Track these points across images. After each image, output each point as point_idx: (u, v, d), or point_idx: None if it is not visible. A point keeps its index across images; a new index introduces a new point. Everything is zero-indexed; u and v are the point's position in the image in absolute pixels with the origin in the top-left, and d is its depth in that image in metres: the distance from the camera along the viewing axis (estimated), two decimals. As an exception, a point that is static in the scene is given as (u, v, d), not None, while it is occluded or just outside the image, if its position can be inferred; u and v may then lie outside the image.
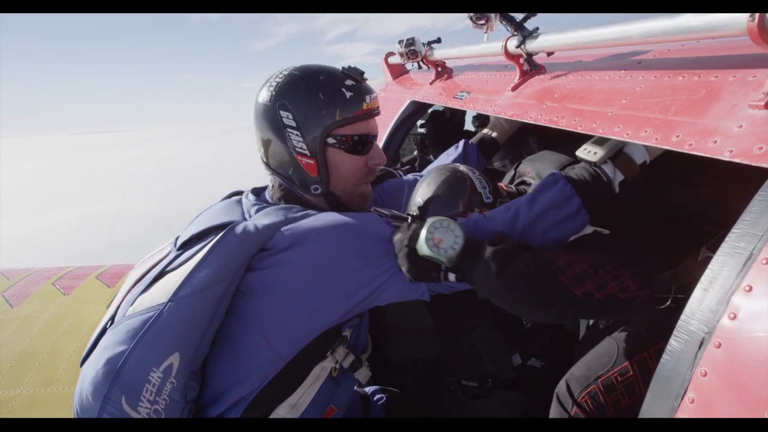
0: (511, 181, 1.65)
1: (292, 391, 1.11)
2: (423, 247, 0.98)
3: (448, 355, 2.66)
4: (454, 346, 2.75)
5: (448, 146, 1.82)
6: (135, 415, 0.97)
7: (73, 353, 2.34)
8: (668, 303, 1.28)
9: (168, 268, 1.07)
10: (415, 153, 1.97)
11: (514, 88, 1.47)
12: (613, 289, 0.94)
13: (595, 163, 1.11)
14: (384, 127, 2.50)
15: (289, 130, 1.12)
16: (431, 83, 2.24)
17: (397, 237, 1.05)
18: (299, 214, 1.10)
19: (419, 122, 4.76)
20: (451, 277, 1.01)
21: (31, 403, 2.02)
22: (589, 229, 1.33)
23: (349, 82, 1.15)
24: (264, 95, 1.14)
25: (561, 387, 1.28)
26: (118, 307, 1.09)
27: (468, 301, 3.06)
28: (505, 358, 2.52)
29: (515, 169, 1.67)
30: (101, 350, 1.00)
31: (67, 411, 2.04)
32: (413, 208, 1.39)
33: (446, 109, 3.72)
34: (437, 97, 2.06)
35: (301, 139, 1.13)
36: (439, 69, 2.27)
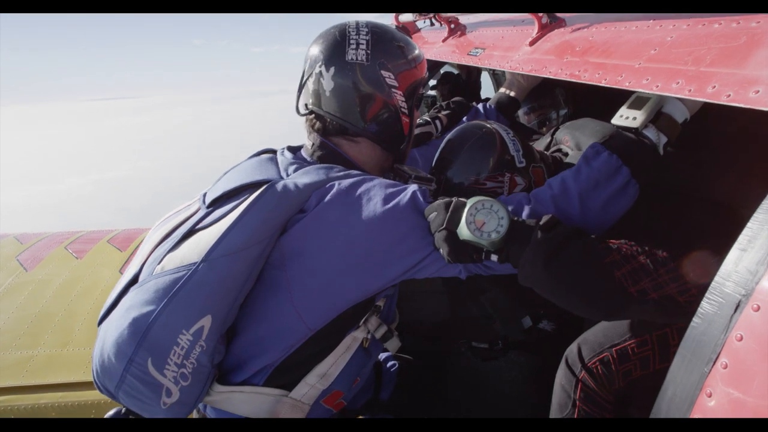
0: (547, 148, 1.56)
1: (320, 359, 1.08)
2: (464, 231, 0.93)
3: (458, 317, 2.67)
4: (464, 308, 2.76)
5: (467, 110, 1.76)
6: (160, 379, 0.95)
7: (87, 315, 2.37)
8: None
9: (198, 226, 1.03)
10: (460, 99, 1.89)
11: (531, 43, 1.40)
12: (671, 291, 0.86)
13: (636, 129, 1.04)
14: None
15: (393, 90, 1.14)
16: (444, 40, 2.15)
17: (434, 216, 0.98)
18: (341, 173, 1.06)
19: (431, 83, 4.64)
20: (493, 257, 0.95)
21: (47, 364, 2.06)
22: (635, 216, 1.28)
23: (410, 42, 1.20)
24: (355, 54, 1.10)
25: (572, 350, 1.27)
26: (143, 265, 1.05)
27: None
28: (516, 321, 2.53)
29: (552, 136, 1.58)
30: (125, 309, 0.97)
31: (83, 372, 2.08)
32: (436, 170, 1.33)
33: (461, 69, 3.60)
34: (450, 54, 1.98)
35: (403, 99, 1.16)
36: (452, 26, 2.18)
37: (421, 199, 1.02)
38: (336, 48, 1.11)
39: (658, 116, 1.04)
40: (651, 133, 1.03)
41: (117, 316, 0.97)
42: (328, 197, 1.01)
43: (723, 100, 0.69)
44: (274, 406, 1.06)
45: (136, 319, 0.94)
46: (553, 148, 1.55)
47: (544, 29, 1.40)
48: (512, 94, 1.72)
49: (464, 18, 2.17)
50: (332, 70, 1.11)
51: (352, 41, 1.11)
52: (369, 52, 1.10)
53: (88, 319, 2.35)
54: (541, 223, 0.92)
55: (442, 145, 1.35)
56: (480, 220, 0.92)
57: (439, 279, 2.62)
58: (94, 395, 1.97)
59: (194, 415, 1.19)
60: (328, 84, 1.12)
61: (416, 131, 1.64)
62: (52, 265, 2.85)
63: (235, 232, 0.97)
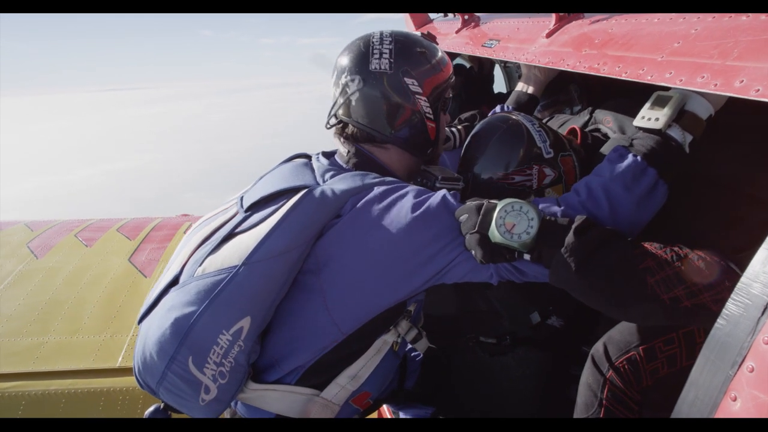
0: (585, 126, 1.52)
1: (351, 361, 1.11)
2: (495, 234, 0.93)
3: (465, 312, 2.66)
4: (471, 303, 2.75)
5: (480, 104, 1.73)
6: (200, 377, 0.99)
7: (96, 303, 2.39)
8: None
9: (237, 230, 1.07)
10: (474, 112, 1.86)
11: (548, 35, 1.37)
12: (705, 299, 0.84)
13: (660, 130, 1.01)
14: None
15: (417, 96, 1.15)
16: (457, 32, 2.12)
17: (463, 218, 0.99)
18: (376, 180, 1.09)
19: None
20: (526, 256, 0.95)
21: (58, 350, 2.07)
22: (676, 212, 1.25)
23: (433, 47, 1.21)
24: (378, 64, 1.13)
25: (598, 349, 1.25)
26: (183, 266, 1.09)
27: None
28: (524, 317, 2.51)
29: (591, 114, 1.54)
30: (167, 309, 1.01)
31: (92, 359, 2.10)
32: (464, 167, 1.31)
33: (473, 62, 3.55)
34: (463, 46, 1.96)
35: (428, 104, 1.17)
36: (466, 17, 2.14)
37: (452, 200, 1.03)
38: (361, 58, 1.14)
39: (682, 114, 1.01)
40: (676, 133, 1.01)
41: (158, 316, 1.02)
42: (360, 203, 1.03)
43: (752, 95, 0.67)
44: (305, 405, 1.10)
45: (177, 319, 0.98)
46: (591, 126, 1.51)
47: (561, 21, 1.37)
48: (530, 90, 1.69)
49: (478, 9, 2.14)
50: (357, 79, 1.14)
51: (375, 51, 1.14)
52: (392, 60, 1.13)
53: (97, 307, 2.37)
54: (575, 224, 0.91)
55: (467, 141, 1.34)
56: (510, 222, 0.92)
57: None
58: (103, 383, 1.98)
59: (225, 413, 1.22)
60: (354, 94, 1.15)
61: None
62: (62, 252, 2.87)
63: (275, 236, 1.01)
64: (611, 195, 1.00)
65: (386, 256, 1.02)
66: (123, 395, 1.85)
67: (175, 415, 1.12)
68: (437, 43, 1.21)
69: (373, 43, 1.15)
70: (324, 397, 1.10)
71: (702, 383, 0.58)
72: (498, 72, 3.70)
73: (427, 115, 1.18)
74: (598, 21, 1.26)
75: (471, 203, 0.99)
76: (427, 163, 1.26)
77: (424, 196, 1.04)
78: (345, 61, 1.16)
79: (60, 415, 1.81)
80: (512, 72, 3.50)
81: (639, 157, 1.00)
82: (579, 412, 1.28)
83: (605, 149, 1.26)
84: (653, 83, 0.91)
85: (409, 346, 1.58)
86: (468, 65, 3.63)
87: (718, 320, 0.59)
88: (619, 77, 1.00)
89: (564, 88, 1.96)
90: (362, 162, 1.18)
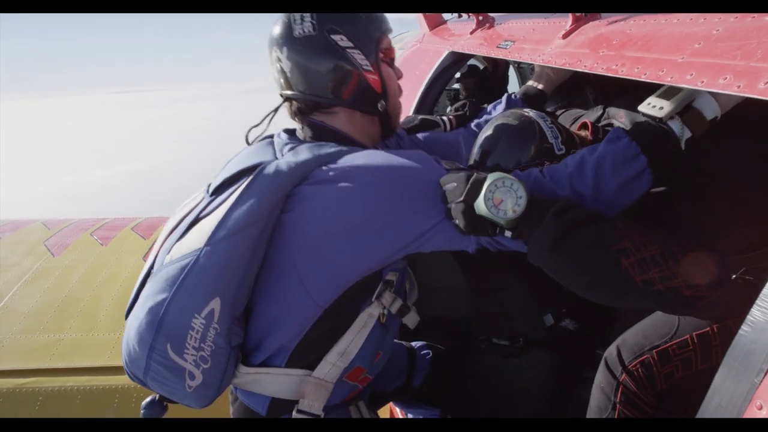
0: (597, 121, 1.51)
1: (338, 337, 1.10)
2: (481, 207, 0.92)
3: (477, 314, 2.64)
4: (483, 305, 2.73)
5: None
6: (182, 363, 0.99)
7: (111, 301, 2.41)
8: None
9: (202, 214, 1.06)
10: (462, 100, 1.85)
11: (565, 36, 1.36)
12: (678, 284, 0.85)
13: (661, 119, 1.01)
14: (419, 80, 2.39)
15: (349, 50, 1.11)
16: (471, 33, 2.11)
17: (450, 186, 0.97)
18: (333, 149, 1.06)
19: (455, 76, 4.57)
20: (507, 234, 0.94)
21: (74, 347, 2.10)
22: (668, 199, 1.23)
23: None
24: (301, 29, 1.10)
25: (611, 352, 1.24)
26: (156, 257, 1.10)
27: (499, 259, 3.01)
28: (537, 319, 2.49)
29: (604, 109, 1.52)
30: (143, 300, 1.01)
31: (108, 356, 2.12)
32: (475, 160, 1.30)
33: (488, 62, 3.53)
34: (478, 47, 1.95)
35: (363, 56, 1.13)
36: (480, 18, 2.13)
37: (437, 164, 1.02)
38: (285, 29, 1.12)
39: (687, 109, 1.01)
40: (675, 126, 1.01)
41: (137, 308, 1.02)
42: (328, 171, 1.01)
43: (777, 97, 0.66)
44: (299, 386, 1.09)
45: (151, 308, 0.98)
46: (604, 122, 1.49)
47: (578, 22, 1.36)
48: (540, 86, 1.68)
49: (493, 10, 2.13)
50: (285, 50, 1.12)
51: (296, 18, 1.11)
52: (314, 22, 1.10)
53: (112, 305, 2.39)
54: (555, 205, 0.91)
55: (479, 136, 1.32)
56: (498, 197, 0.92)
57: (459, 275, 2.60)
58: (118, 380, 2.00)
59: (229, 398, 1.23)
60: (286, 65, 1.13)
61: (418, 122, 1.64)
62: (78, 251, 2.90)
63: (233, 214, 1.00)
64: (598, 173, 1.00)
65: (357, 219, 1.00)
66: (137, 392, 1.87)
67: (175, 415, 1.13)
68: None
69: (293, 14, 1.12)
70: (316, 376, 1.09)
71: (725, 390, 0.57)
72: (512, 73, 3.68)
73: (364, 67, 1.13)
74: (615, 22, 1.24)
75: (461, 172, 0.98)
76: (385, 123, 1.23)
77: (403, 160, 1.02)
78: (271, 36, 1.14)
79: (76, 411, 1.83)
80: (526, 73, 3.48)
81: (634, 142, 1.00)
82: (592, 415, 1.27)
83: None
84: (673, 85, 0.90)
85: (419, 343, 1.57)
86: (482, 66, 3.61)
87: (742, 327, 0.58)
88: (638, 79, 0.98)
89: (579, 90, 1.94)
90: (317, 133, 1.16)
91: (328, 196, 1.00)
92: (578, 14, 1.35)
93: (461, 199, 0.94)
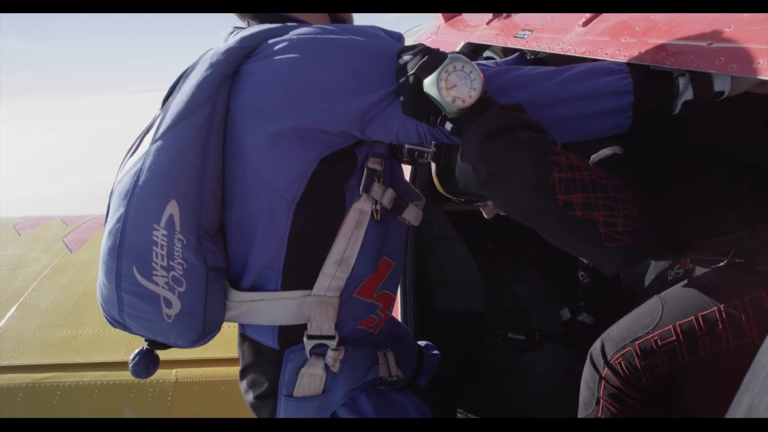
0: None
1: (329, 244, 1.01)
2: (431, 87, 0.83)
3: (493, 309, 2.62)
4: (499, 299, 2.71)
5: None
6: (153, 287, 0.91)
7: (128, 296, 2.43)
8: (722, 264, 1.16)
9: (152, 127, 0.97)
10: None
11: (585, 24, 1.32)
12: (597, 217, 0.80)
13: (671, 73, 0.95)
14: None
15: None
16: (488, 23, 2.07)
17: (405, 59, 0.89)
18: (280, 25, 0.96)
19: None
20: (447, 126, 0.87)
21: (92, 342, 2.11)
22: (660, 166, 1.19)
23: None
24: None
25: (595, 346, 1.23)
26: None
27: (516, 251, 2.98)
28: (553, 313, 2.47)
29: None
30: (105, 227, 0.93)
31: (124, 351, 2.13)
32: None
33: (506, 54, 3.48)
34: (494, 37, 1.90)
35: None
36: (496, 7, 2.09)
37: (390, 40, 0.94)
38: None
39: (700, 72, 0.92)
40: (682, 82, 0.93)
41: (102, 240, 0.94)
42: (275, 43, 0.91)
43: (816, 82, 0.62)
44: (301, 309, 1.01)
45: (110, 230, 0.90)
46: None
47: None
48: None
49: None
50: None
51: None
52: None
53: (128, 300, 2.41)
54: (509, 105, 0.85)
55: None
56: (452, 81, 0.83)
57: (474, 269, 2.57)
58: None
59: (236, 338, 1.15)
60: None
61: None
62: (96, 246, 2.93)
63: (175, 103, 0.91)
64: (577, 90, 0.92)
65: (300, 90, 0.89)
66: (153, 387, 1.87)
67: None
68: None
69: None
70: (317, 294, 1.00)
71: (758, 392, 0.54)
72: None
73: None
74: (638, 7, 1.20)
75: (420, 46, 0.89)
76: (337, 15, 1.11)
77: (356, 32, 0.92)
78: None
79: (93, 406, 1.84)
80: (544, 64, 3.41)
81: (629, 78, 0.93)
82: (580, 411, 1.26)
83: None
84: (700, 71, 0.86)
85: (425, 342, 1.51)
86: (496, 56, 3.56)
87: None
88: (662, 66, 0.94)
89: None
90: (264, 18, 1.04)
91: (272, 68, 0.90)
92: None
93: (413, 71, 0.85)
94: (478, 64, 0.96)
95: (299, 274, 1.01)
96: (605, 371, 1.18)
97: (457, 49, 2.18)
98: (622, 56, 1.07)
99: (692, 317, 1.11)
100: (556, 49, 1.36)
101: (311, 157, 0.94)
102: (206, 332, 1.01)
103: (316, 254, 1.01)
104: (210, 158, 0.93)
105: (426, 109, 0.87)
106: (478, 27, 2.16)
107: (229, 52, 0.92)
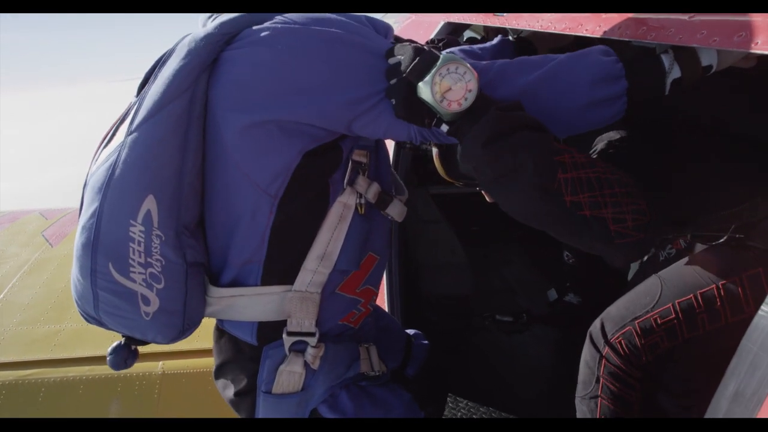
0: None
1: (312, 238, 0.97)
2: (425, 92, 0.81)
3: (480, 291, 2.62)
4: (486, 281, 2.71)
5: None
6: (130, 285, 0.87)
7: (110, 290, 2.39)
8: (722, 240, 1.16)
9: (127, 116, 0.91)
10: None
11: (565, -1, 1.29)
12: (606, 214, 0.79)
13: (654, 49, 0.92)
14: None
15: None
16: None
17: (396, 60, 0.85)
18: (264, 13, 0.91)
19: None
20: (444, 128, 0.85)
21: (75, 337, 2.08)
22: (653, 149, 1.18)
23: None
24: None
25: (595, 326, 1.23)
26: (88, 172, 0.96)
27: (502, 234, 2.97)
28: (540, 294, 2.48)
29: None
30: (78, 222, 0.89)
31: (109, 344, 2.10)
32: None
33: (487, 32, 3.43)
34: (474, 16, 1.87)
35: None
36: (476, -15, 2.04)
37: (379, 37, 0.90)
38: None
39: (683, 49, 0.90)
40: (666, 60, 0.91)
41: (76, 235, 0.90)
42: (258, 30, 0.86)
43: (799, 55, 0.60)
44: (282, 305, 0.98)
45: (84, 225, 0.86)
46: None
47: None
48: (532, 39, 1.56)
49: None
50: None
51: None
52: None
53: (111, 293, 2.37)
54: (507, 104, 0.82)
55: None
56: (446, 84, 0.80)
57: (461, 251, 2.57)
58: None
59: (213, 334, 1.13)
60: None
61: None
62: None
63: (150, 95, 0.86)
64: (571, 82, 0.89)
65: (283, 82, 0.86)
66: (140, 380, 1.85)
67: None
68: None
69: None
70: (298, 289, 0.97)
71: (744, 375, 0.53)
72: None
73: None
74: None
75: (410, 45, 0.85)
76: None
77: (344, 21, 0.88)
78: None
79: (79, 401, 1.82)
80: (526, 42, 3.38)
81: (620, 63, 0.90)
82: (579, 391, 1.27)
83: None
84: (682, 45, 0.84)
85: (414, 331, 1.47)
86: (479, 36, 3.51)
87: (762, 308, 0.54)
88: (643, 41, 0.92)
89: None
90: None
91: (254, 58, 0.86)
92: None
93: (405, 74, 0.82)
94: (467, 58, 0.91)
95: (280, 269, 0.98)
96: (605, 350, 1.18)
97: (437, 29, 2.14)
98: (602, 32, 1.04)
99: (691, 295, 1.11)
100: (536, 27, 1.33)
101: (294, 152, 0.91)
102: (185, 329, 0.98)
103: (298, 249, 0.98)
104: (189, 150, 0.89)
105: (420, 112, 0.85)
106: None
107: (208, 39, 0.86)
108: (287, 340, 0.99)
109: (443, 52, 0.84)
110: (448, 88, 0.80)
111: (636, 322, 1.15)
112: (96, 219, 0.85)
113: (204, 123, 0.90)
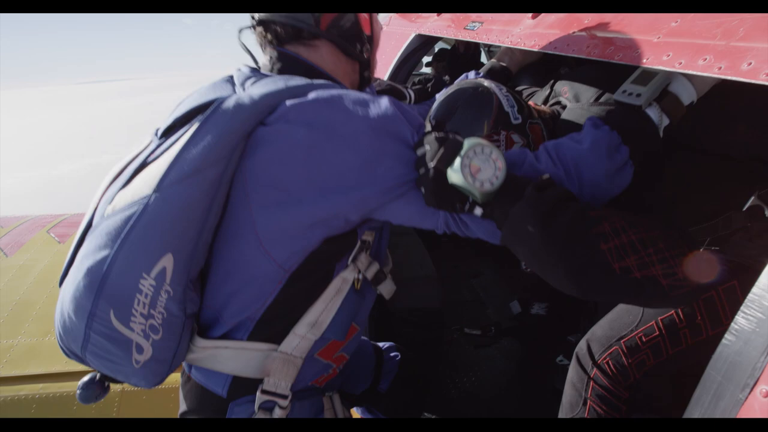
0: (546, 101, 1.44)
1: (307, 306, 0.97)
2: (456, 175, 0.81)
3: (450, 303, 2.61)
4: (456, 293, 2.71)
5: None
6: (128, 333, 0.85)
7: (67, 304, 2.29)
8: None
9: (150, 158, 0.90)
10: (430, 72, 1.75)
11: (534, 15, 1.29)
12: (655, 272, 0.79)
13: (640, 107, 0.94)
14: (386, 65, 2.31)
15: None
16: (438, 14, 2.03)
17: (423, 150, 0.86)
18: (304, 82, 0.92)
19: (424, 60, 4.48)
20: (477, 211, 0.85)
21: (29, 353, 1.98)
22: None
23: None
24: None
25: (581, 347, 1.22)
26: (96, 209, 0.93)
27: (471, 246, 2.96)
28: (508, 305, 2.48)
29: (551, 88, 1.46)
30: (80, 260, 0.86)
31: (66, 361, 2.00)
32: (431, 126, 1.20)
33: (458, 43, 3.46)
34: (445, 29, 1.87)
35: None
36: (448, -2, 2.05)
37: (406, 124, 0.90)
38: None
39: (664, 95, 0.95)
40: (654, 113, 0.95)
41: (74, 269, 0.87)
42: (293, 109, 0.88)
43: (762, 79, 0.60)
44: (263, 362, 0.97)
45: (90, 268, 0.83)
46: (552, 101, 1.43)
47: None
48: (504, 64, 1.60)
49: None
50: None
51: None
52: None
53: (69, 307, 2.27)
54: (534, 182, 0.83)
55: (434, 105, 1.22)
56: (476, 166, 0.80)
57: (430, 264, 2.55)
58: (76, 386, 1.90)
59: (180, 380, 1.11)
60: None
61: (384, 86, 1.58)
62: (34, 249, 2.75)
63: (186, 154, 0.85)
64: (582, 163, 0.91)
65: (320, 170, 0.86)
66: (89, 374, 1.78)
67: (171, 415, 1.03)
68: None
69: None
70: (283, 351, 0.97)
71: (708, 406, 0.51)
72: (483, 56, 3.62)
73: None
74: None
75: (433, 134, 0.86)
76: (366, 71, 1.11)
77: (374, 110, 0.88)
78: None
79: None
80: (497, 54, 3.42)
81: (614, 132, 0.93)
82: (564, 412, 1.25)
83: (565, 116, 1.19)
84: (650, 67, 0.84)
85: (386, 344, 1.49)
86: (449, 47, 3.55)
87: (726, 336, 0.53)
88: (611, 60, 0.92)
89: (554, 70, 1.88)
90: (288, 65, 1.01)
91: (291, 141, 0.86)
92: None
93: (433, 164, 0.82)
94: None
95: (271, 329, 0.97)
96: (593, 372, 1.18)
97: (408, 41, 2.14)
98: (571, 50, 1.04)
99: (672, 311, 1.11)
100: (506, 42, 1.33)
101: (317, 239, 0.92)
102: (167, 375, 0.96)
103: (292, 313, 0.98)
104: (213, 212, 0.89)
105: (450, 198, 0.85)
106: (429, 18, 2.12)
107: (254, 109, 0.87)
108: (260, 398, 0.98)
109: (466, 138, 0.85)
110: (478, 169, 0.81)
111: (622, 341, 1.15)
112: (106, 266, 0.83)
113: (230, 186, 0.90)
